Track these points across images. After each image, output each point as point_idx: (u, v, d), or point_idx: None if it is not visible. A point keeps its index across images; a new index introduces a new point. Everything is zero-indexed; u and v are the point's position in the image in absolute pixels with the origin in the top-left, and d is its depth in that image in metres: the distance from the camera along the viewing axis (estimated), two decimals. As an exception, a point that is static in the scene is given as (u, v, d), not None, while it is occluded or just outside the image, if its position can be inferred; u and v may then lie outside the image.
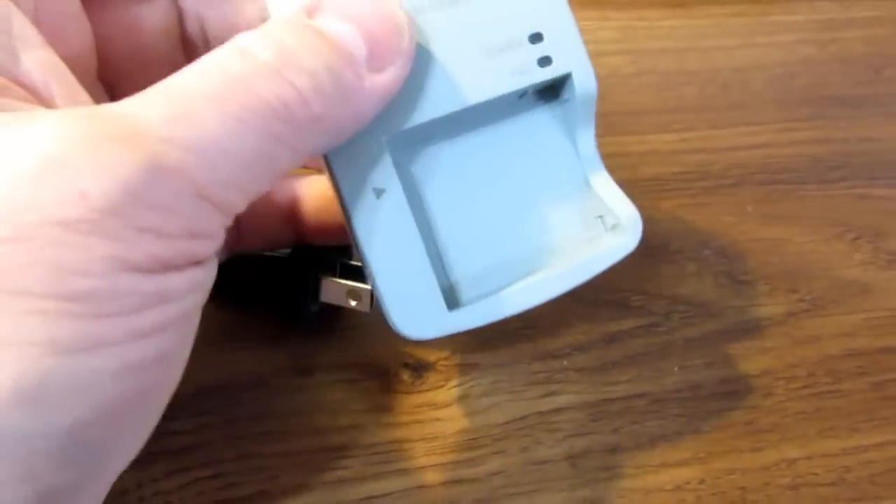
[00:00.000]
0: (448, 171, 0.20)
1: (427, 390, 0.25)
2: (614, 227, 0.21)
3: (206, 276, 0.15)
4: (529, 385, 0.25)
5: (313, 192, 0.23)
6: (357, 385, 0.24)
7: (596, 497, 0.23)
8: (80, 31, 0.18)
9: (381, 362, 0.25)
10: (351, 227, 0.18)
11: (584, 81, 0.20)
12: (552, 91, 0.21)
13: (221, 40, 0.16)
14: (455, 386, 0.25)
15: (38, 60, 0.14)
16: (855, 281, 0.29)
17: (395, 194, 0.18)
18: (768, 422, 0.25)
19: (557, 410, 0.24)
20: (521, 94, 0.20)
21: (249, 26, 0.15)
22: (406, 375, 0.25)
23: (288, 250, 0.24)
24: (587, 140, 0.21)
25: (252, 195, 0.15)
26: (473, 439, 0.24)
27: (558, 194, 0.21)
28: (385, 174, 0.18)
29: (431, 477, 0.23)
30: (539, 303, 0.20)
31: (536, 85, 0.19)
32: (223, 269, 0.17)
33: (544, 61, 0.19)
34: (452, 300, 0.20)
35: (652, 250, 0.29)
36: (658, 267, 0.28)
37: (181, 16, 0.20)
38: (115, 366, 0.13)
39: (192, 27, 0.20)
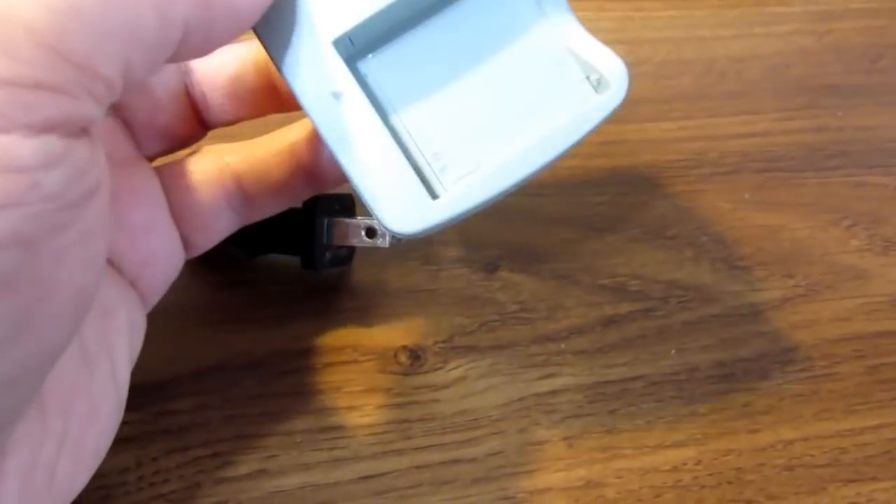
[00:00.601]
0: (411, 62, 0.19)
1: (425, 372, 0.25)
2: (598, 82, 0.19)
3: (72, 153, 0.13)
4: (527, 367, 0.25)
5: (306, 133, 0.22)
6: (355, 367, 0.25)
7: (593, 477, 0.23)
8: None
9: (379, 345, 0.25)
10: (320, 136, 0.18)
11: None
12: None
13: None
14: (453, 368, 0.25)
15: None
16: (851, 267, 0.29)
17: (354, 95, 0.18)
18: (765, 404, 0.25)
19: (555, 392, 0.25)
20: None
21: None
22: (404, 358, 0.25)
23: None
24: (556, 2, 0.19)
25: (122, 65, 0.14)
26: (471, 420, 0.24)
27: (537, 63, 0.19)
28: (339, 76, 0.18)
29: (429, 457, 0.23)
30: (527, 174, 0.18)
31: None
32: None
33: None
34: (441, 185, 0.19)
35: (649, 236, 0.29)
36: (655, 252, 0.29)
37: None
38: (31, 224, 0.12)
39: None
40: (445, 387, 0.24)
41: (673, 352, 0.26)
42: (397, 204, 0.18)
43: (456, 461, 0.23)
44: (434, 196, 0.18)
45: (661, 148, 0.32)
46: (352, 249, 0.26)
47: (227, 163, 0.21)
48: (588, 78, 0.19)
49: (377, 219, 0.18)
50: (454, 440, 0.23)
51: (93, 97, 0.13)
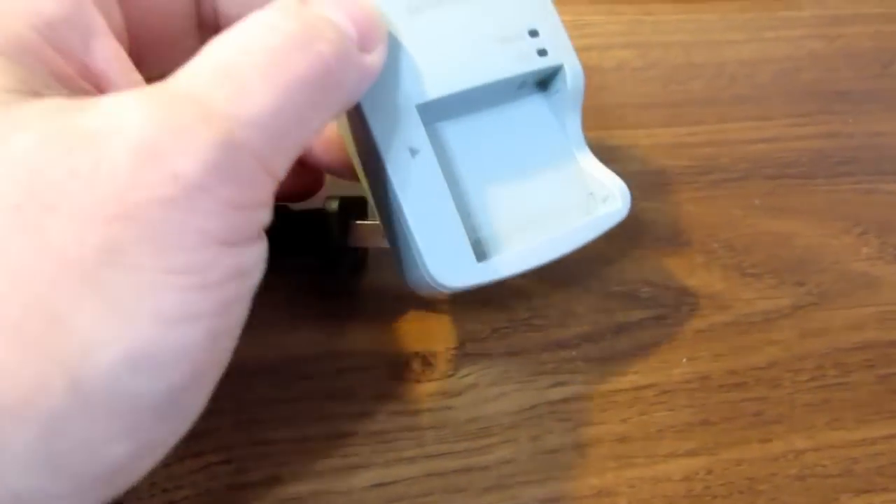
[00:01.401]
0: (463, 142, 0.23)
1: (437, 379, 0.25)
2: (605, 198, 0.23)
3: (264, 250, 0.16)
4: (539, 375, 0.25)
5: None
6: (367, 373, 0.25)
7: (605, 486, 0.23)
8: (116, 15, 0.19)
9: (390, 351, 0.25)
10: (388, 184, 0.20)
11: (574, 72, 0.23)
12: (546, 84, 0.24)
13: (231, 20, 0.18)
14: (465, 375, 0.25)
15: (105, 47, 0.16)
16: (863, 274, 0.29)
17: (428, 154, 0.21)
18: (776, 413, 0.25)
19: (567, 400, 0.25)
20: (521, 85, 0.23)
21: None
22: (416, 364, 0.25)
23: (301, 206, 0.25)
24: (576, 127, 0.24)
25: (293, 160, 0.16)
26: (484, 428, 0.24)
27: (556, 171, 0.24)
28: (418, 136, 0.20)
29: (442, 464, 0.23)
30: (553, 258, 0.22)
31: (536, 72, 0.22)
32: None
33: (542, 52, 0.22)
34: (479, 254, 0.21)
35: (661, 242, 0.29)
36: (667, 259, 0.28)
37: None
38: (205, 335, 0.14)
39: (205, 10, 0.22)
40: (458, 394, 0.24)
41: (684, 360, 0.26)
42: (446, 259, 0.20)
43: (468, 469, 0.23)
44: (479, 259, 0.21)
45: (672, 153, 0.32)
46: (365, 256, 0.26)
47: None
48: (593, 194, 0.23)
49: (423, 267, 0.20)
50: (466, 448, 0.23)
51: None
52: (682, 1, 0.40)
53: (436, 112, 0.22)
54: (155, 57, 0.20)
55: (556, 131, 0.24)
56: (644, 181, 0.31)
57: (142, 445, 0.15)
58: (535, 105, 0.24)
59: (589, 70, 0.35)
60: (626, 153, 0.32)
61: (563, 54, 0.23)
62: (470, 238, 0.21)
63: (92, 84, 0.16)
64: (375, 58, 0.18)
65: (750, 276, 0.28)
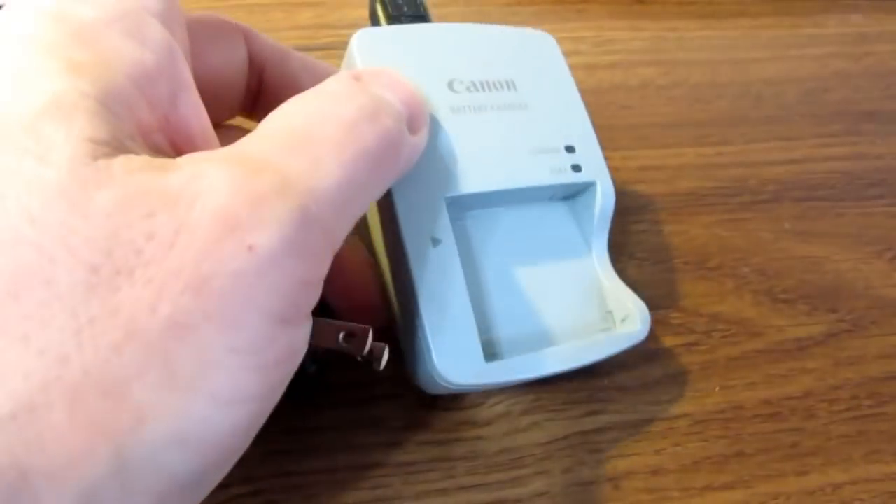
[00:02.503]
0: (488, 234, 0.23)
1: (467, 408, 0.24)
2: (625, 318, 0.23)
3: (310, 330, 0.16)
4: (570, 404, 0.25)
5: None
6: (395, 401, 0.24)
7: (640, 520, 0.23)
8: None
9: (419, 378, 0.25)
10: (407, 272, 0.20)
11: (606, 192, 0.23)
12: (576, 198, 0.24)
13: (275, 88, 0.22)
14: (495, 404, 0.24)
15: (189, 102, 0.15)
16: (896, 301, 0.28)
17: (450, 245, 0.21)
18: (812, 445, 0.24)
19: (599, 430, 0.24)
20: (551, 196, 0.24)
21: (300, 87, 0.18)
22: (445, 392, 0.24)
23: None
24: (602, 244, 0.24)
25: (348, 233, 0.16)
26: (516, 459, 0.23)
27: (573, 284, 0.24)
28: (442, 226, 0.21)
29: (474, 497, 0.22)
30: (561, 370, 0.22)
31: (568, 186, 0.23)
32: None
33: (576, 168, 0.23)
34: (489, 354, 0.21)
35: (690, 266, 0.29)
36: (697, 284, 0.28)
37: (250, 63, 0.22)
38: (249, 417, 0.14)
39: (253, 76, 0.23)
40: (488, 423, 0.24)
41: (717, 388, 0.25)
42: (455, 354, 0.20)
43: (501, 502, 0.22)
44: (488, 358, 0.20)
45: (699, 174, 0.32)
46: (320, 369, 0.24)
47: None
48: (612, 314, 0.23)
49: (430, 360, 0.20)
50: (498, 479, 0.23)
51: None
52: (706, 17, 0.39)
53: (464, 207, 0.22)
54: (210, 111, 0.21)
55: (581, 243, 0.24)
56: (672, 203, 0.31)
57: None
58: (564, 214, 0.24)
59: (613, 88, 0.35)
60: (652, 174, 0.32)
61: (597, 173, 0.23)
62: (482, 336, 0.21)
63: (169, 138, 0.15)
64: (420, 139, 0.19)
65: (781, 302, 0.28)
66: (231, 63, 0.22)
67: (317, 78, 0.19)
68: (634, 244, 0.29)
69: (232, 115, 0.24)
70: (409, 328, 0.21)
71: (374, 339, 0.18)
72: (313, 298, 0.15)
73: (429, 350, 0.20)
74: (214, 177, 0.14)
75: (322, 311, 0.22)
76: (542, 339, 0.22)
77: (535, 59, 0.24)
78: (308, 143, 0.15)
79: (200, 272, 0.13)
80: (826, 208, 0.31)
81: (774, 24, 0.39)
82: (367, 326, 0.19)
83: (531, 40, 0.25)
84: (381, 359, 0.20)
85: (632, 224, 0.29)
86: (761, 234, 0.30)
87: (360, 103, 0.16)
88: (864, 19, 0.40)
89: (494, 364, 0.21)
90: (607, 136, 0.25)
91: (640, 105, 0.34)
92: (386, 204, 0.21)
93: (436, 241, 0.20)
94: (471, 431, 0.24)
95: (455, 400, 0.24)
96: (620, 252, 0.28)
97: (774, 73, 0.37)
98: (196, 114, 0.16)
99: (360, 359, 0.19)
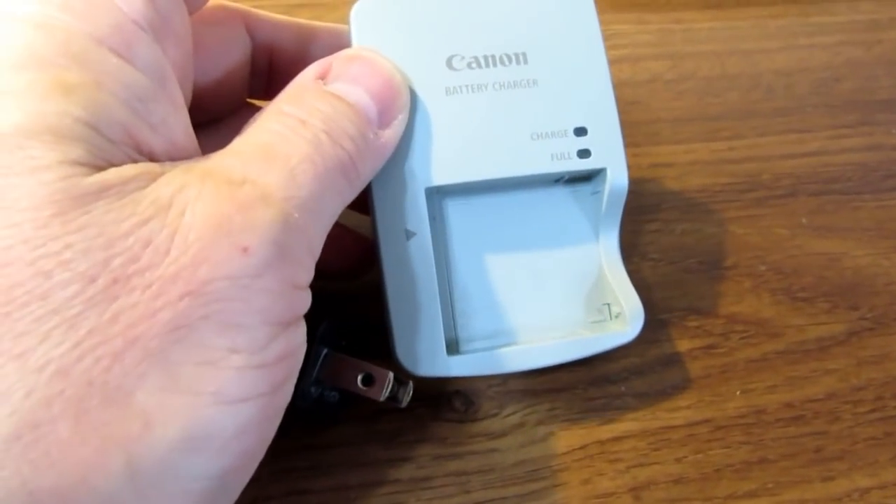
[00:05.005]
0: (476, 225, 0.22)
1: (481, 419, 0.24)
2: (617, 315, 0.22)
3: (305, 331, 0.16)
4: (587, 412, 0.24)
5: None
6: (407, 414, 0.23)
7: (662, 531, 0.22)
8: (189, 77, 0.19)
9: (430, 390, 0.24)
10: (379, 264, 0.20)
11: (618, 178, 0.21)
12: (587, 180, 0.23)
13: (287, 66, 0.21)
14: (510, 414, 0.24)
15: (179, 122, 0.16)
16: (918, 297, 0.28)
17: (423, 239, 0.20)
18: (837, 448, 0.24)
19: (617, 439, 0.23)
20: (557, 179, 0.22)
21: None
22: (458, 403, 0.24)
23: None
24: (611, 233, 0.22)
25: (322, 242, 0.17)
26: (532, 471, 0.23)
27: (572, 274, 0.22)
28: (418, 219, 0.20)
29: (491, 513, 0.22)
30: (531, 368, 0.21)
31: (572, 172, 0.21)
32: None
33: (584, 153, 0.21)
34: (454, 347, 0.21)
35: (705, 266, 0.28)
36: (713, 284, 0.27)
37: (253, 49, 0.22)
38: (259, 415, 0.14)
39: (258, 60, 0.22)
40: (503, 434, 0.23)
41: (738, 392, 0.25)
42: (417, 347, 0.20)
43: (519, 517, 0.22)
44: (449, 353, 0.20)
45: (711, 170, 0.31)
46: (343, 398, 0.22)
47: None
48: (609, 307, 0.22)
49: (392, 349, 0.20)
50: (515, 493, 0.22)
51: None
52: (711, 7, 0.38)
53: (453, 194, 0.21)
54: (210, 106, 0.21)
55: (587, 231, 0.23)
56: (685, 200, 0.30)
57: None
58: (570, 200, 0.23)
59: (620, 84, 0.34)
60: (663, 171, 0.31)
61: (609, 157, 0.21)
62: (454, 327, 0.21)
63: (155, 156, 0.15)
64: (392, 132, 0.19)
65: (800, 300, 0.27)
66: (231, 51, 0.21)
67: (327, 50, 0.20)
68: (647, 244, 0.28)
69: (241, 101, 0.23)
70: (385, 316, 0.21)
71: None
72: (305, 301, 0.16)
73: (392, 339, 0.20)
74: (201, 186, 0.14)
75: (338, 329, 0.22)
76: (520, 334, 0.22)
77: (560, 25, 0.21)
78: (281, 158, 0.15)
79: (198, 276, 0.13)
80: (843, 202, 0.30)
81: (782, 12, 0.38)
82: (386, 371, 0.20)
83: (561, 2, 0.22)
84: (402, 400, 0.20)
85: (644, 223, 0.29)
86: (777, 231, 0.29)
87: (313, 131, 0.16)
88: (874, 5, 0.39)
89: (457, 358, 0.21)
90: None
91: (648, 101, 0.34)
92: (367, 195, 0.20)
93: (409, 234, 0.20)
94: (485, 444, 0.23)
95: (468, 411, 0.24)
96: (633, 252, 0.27)
97: (784, 64, 0.36)
98: (184, 132, 0.16)
99: (381, 400, 0.20)
